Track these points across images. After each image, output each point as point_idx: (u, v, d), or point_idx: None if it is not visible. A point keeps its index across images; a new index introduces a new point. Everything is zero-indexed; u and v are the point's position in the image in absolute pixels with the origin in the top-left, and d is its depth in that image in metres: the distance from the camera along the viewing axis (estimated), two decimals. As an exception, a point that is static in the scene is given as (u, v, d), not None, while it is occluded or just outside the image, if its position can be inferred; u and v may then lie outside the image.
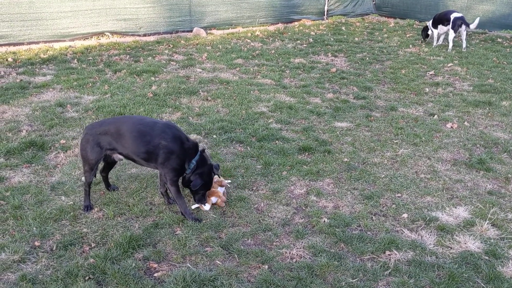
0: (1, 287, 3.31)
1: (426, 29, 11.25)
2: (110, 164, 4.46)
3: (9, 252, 3.66)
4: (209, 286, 3.38)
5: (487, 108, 7.12)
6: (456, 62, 9.65)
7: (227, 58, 9.55)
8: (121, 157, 4.24)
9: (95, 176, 4.32)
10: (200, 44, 10.79)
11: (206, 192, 4.28)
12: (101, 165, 4.42)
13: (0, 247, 3.71)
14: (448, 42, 10.68)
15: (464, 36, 10.60)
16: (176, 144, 4.06)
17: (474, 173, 5.20)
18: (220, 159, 5.27)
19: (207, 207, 4.32)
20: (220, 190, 4.46)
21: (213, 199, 4.37)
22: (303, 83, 8.17)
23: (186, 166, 4.12)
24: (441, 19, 10.69)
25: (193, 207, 4.32)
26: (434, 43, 11.10)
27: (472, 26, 10.37)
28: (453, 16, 10.39)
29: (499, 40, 11.68)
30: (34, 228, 3.95)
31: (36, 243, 3.78)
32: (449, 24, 10.47)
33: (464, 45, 10.65)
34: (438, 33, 10.95)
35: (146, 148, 4.04)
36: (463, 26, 10.38)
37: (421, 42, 11.40)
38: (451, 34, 10.51)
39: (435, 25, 10.87)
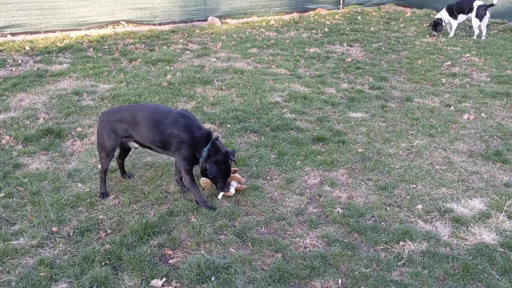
0: (20, 270, 3.39)
1: (439, 21, 10.86)
2: (125, 150, 4.51)
3: (27, 237, 3.73)
4: (223, 273, 3.41)
5: (505, 100, 7.02)
6: (474, 52, 9.51)
7: (242, 47, 9.53)
8: (136, 145, 4.28)
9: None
10: (215, 33, 10.78)
11: (227, 179, 4.27)
12: (117, 152, 4.47)
13: (19, 232, 3.79)
14: (474, 30, 10.68)
15: (484, 25, 10.51)
16: (188, 134, 4.06)
17: (490, 164, 5.14)
18: (234, 148, 5.29)
19: (232, 191, 4.32)
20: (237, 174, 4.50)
21: (234, 184, 4.39)
22: (318, 73, 8.13)
23: (198, 155, 4.11)
24: (462, 8, 10.58)
25: (219, 196, 4.31)
26: (451, 34, 10.93)
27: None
28: (476, 4, 10.40)
29: (518, 30, 11.46)
30: (52, 214, 4.02)
31: (54, 229, 3.85)
32: (470, 12, 10.47)
33: (484, 34, 10.52)
34: (458, 23, 10.82)
35: (160, 137, 4.08)
36: (488, 14, 10.41)
37: (435, 35, 11.00)
38: (476, 22, 10.47)
39: (454, 15, 10.69)
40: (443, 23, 10.86)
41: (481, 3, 10.41)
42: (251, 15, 12.76)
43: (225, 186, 4.25)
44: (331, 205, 4.29)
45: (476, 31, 10.66)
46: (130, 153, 4.70)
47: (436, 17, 11.11)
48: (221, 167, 4.12)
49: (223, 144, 4.36)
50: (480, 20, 10.43)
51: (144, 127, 4.13)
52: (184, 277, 3.36)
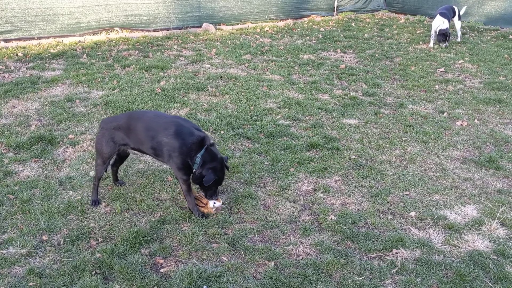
0: (9, 280, 3.34)
1: (447, 29, 10.41)
2: (122, 158, 4.51)
3: (17, 246, 3.69)
4: (215, 282, 3.38)
5: (498, 106, 7.04)
6: (467, 59, 9.55)
7: (236, 53, 9.53)
8: (136, 151, 4.26)
9: (105, 170, 4.33)
10: (209, 39, 10.78)
11: (218, 187, 4.14)
12: (112, 159, 4.43)
13: (9, 240, 3.75)
14: (458, 33, 11.10)
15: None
16: (177, 141, 3.95)
17: (483, 171, 5.14)
18: (227, 155, 5.26)
19: (219, 202, 4.22)
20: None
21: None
22: (312, 79, 8.13)
23: (190, 162, 4.00)
24: (452, 14, 10.82)
25: (211, 204, 4.22)
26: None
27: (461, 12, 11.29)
28: (457, 8, 11.01)
29: (511, 37, 11.53)
30: (42, 223, 3.98)
31: (44, 237, 3.81)
32: (453, 17, 10.89)
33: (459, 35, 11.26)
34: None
35: (151, 143, 4.03)
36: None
37: (446, 46, 10.55)
38: (459, 24, 10.99)
39: (448, 22, 10.78)
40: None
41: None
42: (245, 22, 12.78)
43: (214, 194, 4.12)
44: (325, 212, 4.28)
45: (459, 33, 11.11)
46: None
47: (443, 27, 10.35)
48: (218, 176, 4.02)
49: (218, 150, 4.24)
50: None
51: (138, 132, 4.10)
52: (176, 286, 3.33)
